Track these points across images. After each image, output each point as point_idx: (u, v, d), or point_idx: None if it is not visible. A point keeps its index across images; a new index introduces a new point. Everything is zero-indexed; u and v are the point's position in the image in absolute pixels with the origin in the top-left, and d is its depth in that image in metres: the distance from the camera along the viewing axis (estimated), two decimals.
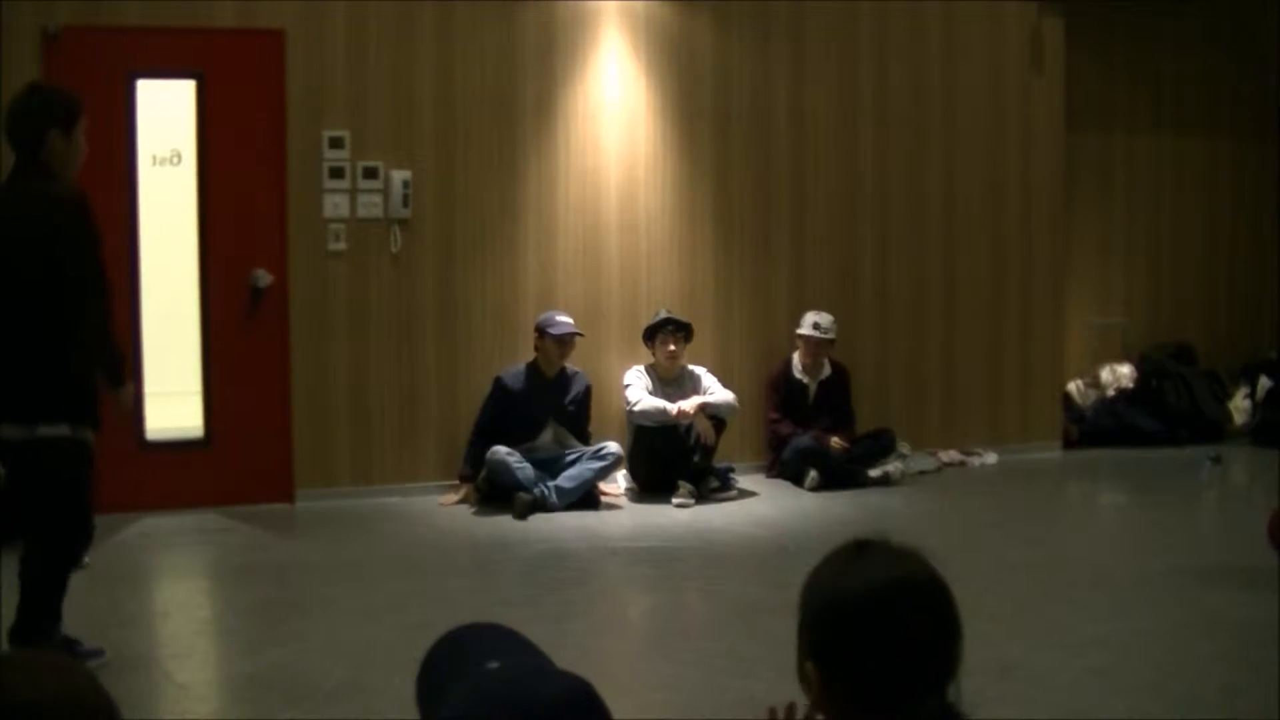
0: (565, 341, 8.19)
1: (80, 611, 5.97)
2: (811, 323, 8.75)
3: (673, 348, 8.41)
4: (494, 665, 1.70)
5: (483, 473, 8.02)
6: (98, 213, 7.95)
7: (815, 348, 8.75)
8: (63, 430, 4.92)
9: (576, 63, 8.60)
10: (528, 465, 7.91)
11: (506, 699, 1.60)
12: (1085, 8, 9.95)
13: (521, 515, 7.75)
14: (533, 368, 8.22)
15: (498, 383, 8.16)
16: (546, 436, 8.16)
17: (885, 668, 1.74)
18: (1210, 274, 10.92)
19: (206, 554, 7.20)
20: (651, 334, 8.46)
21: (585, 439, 8.31)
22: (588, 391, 8.36)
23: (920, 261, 9.42)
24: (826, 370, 8.86)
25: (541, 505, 7.85)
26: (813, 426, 8.71)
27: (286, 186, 8.03)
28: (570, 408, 8.26)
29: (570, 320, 8.25)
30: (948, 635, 1.78)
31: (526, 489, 7.84)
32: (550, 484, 7.93)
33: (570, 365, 8.33)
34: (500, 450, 7.92)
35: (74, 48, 7.57)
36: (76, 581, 6.41)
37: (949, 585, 1.81)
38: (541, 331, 8.20)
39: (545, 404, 8.19)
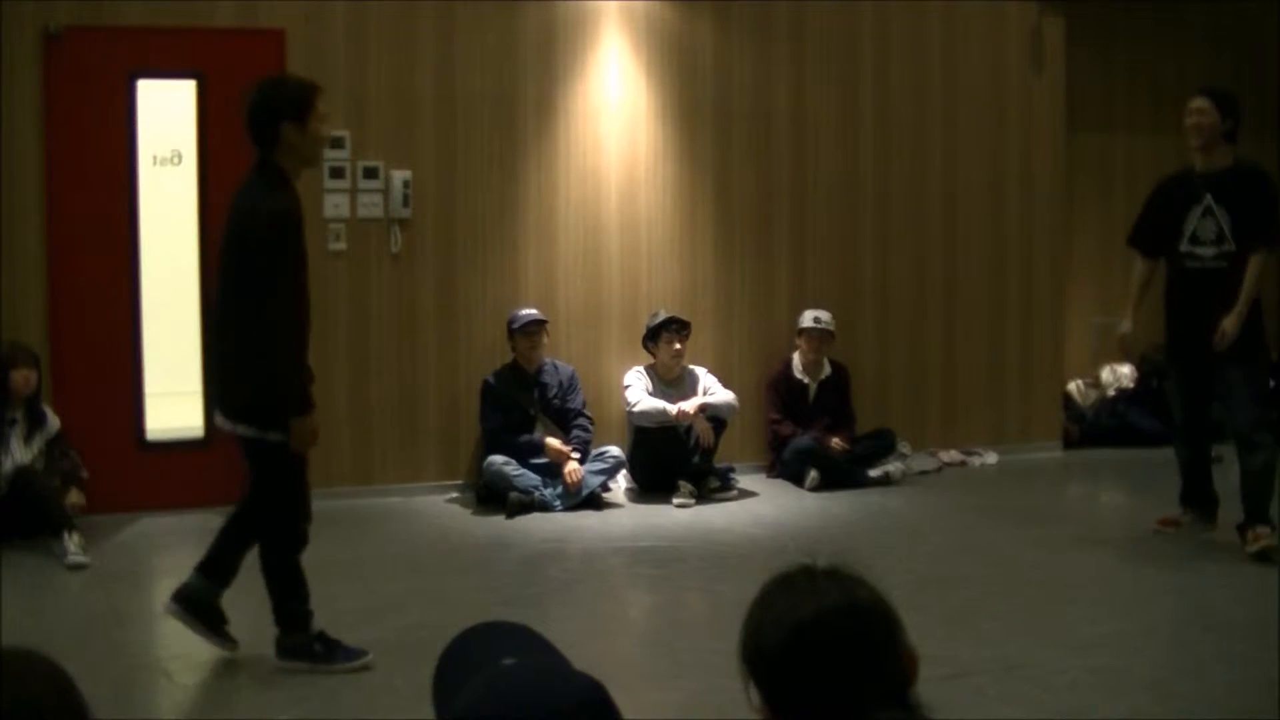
0: (531, 332, 8.15)
1: (80, 611, 5.98)
2: (813, 317, 8.75)
3: (679, 346, 8.39)
4: (509, 662, 1.71)
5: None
6: (97, 213, 7.93)
7: (818, 341, 8.74)
8: (249, 431, 5.06)
9: (576, 63, 8.60)
10: (526, 472, 7.90)
11: (518, 696, 1.60)
12: (1085, 8, 9.95)
13: (513, 515, 7.75)
14: (514, 367, 8.21)
15: (485, 386, 8.15)
16: (538, 436, 8.14)
17: (811, 700, 1.77)
18: None
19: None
20: (655, 334, 8.44)
21: (583, 421, 8.24)
22: (573, 379, 8.32)
23: (920, 261, 9.42)
24: (826, 370, 8.86)
25: (533, 506, 7.84)
26: (813, 427, 8.71)
27: None
28: (555, 401, 8.24)
29: (533, 310, 8.22)
30: (867, 661, 1.78)
31: (526, 493, 7.84)
32: (550, 489, 7.91)
33: (554, 359, 8.31)
34: (497, 460, 7.91)
35: (74, 48, 7.57)
36: (76, 581, 6.44)
37: (870, 603, 1.82)
38: (509, 329, 8.19)
39: (530, 401, 8.17)
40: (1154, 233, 7.10)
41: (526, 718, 1.57)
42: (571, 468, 7.95)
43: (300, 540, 5.26)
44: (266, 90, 5.10)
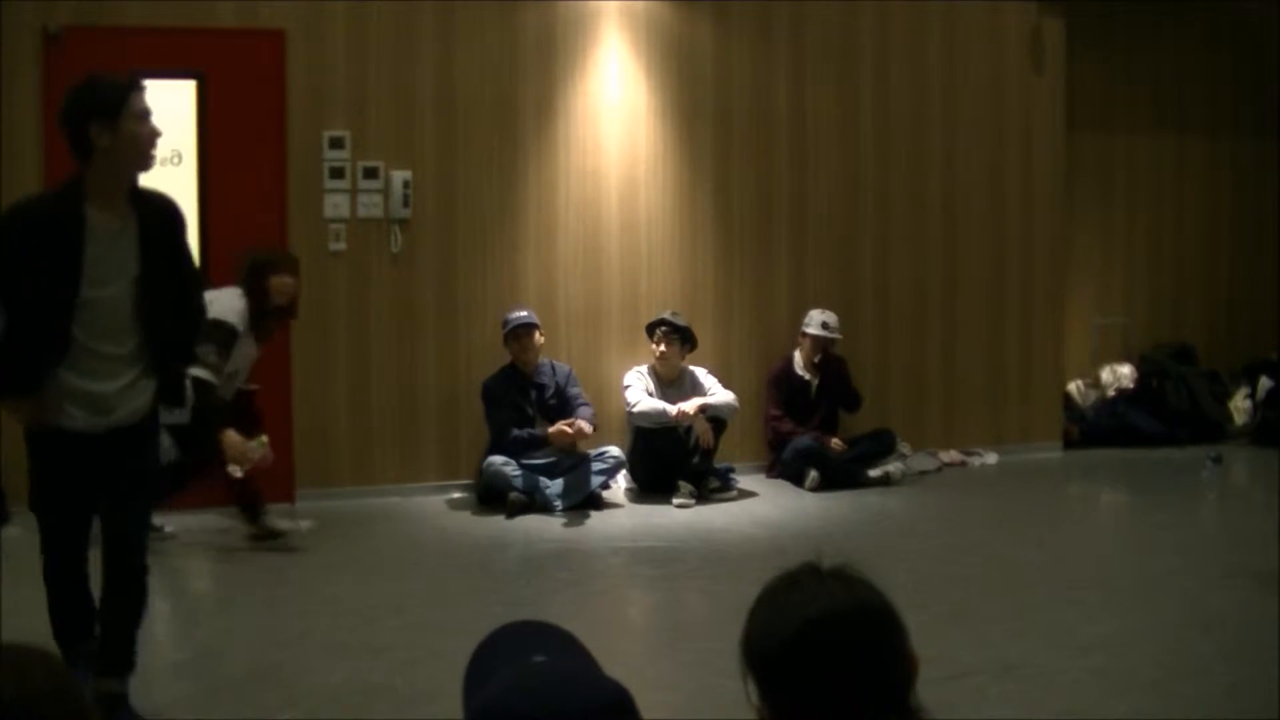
0: (521, 335, 8.13)
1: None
2: (820, 322, 8.74)
3: (663, 349, 8.37)
4: (539, 660, 1.72)
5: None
6: None
7: (823, 346, 8.74)
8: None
9: (576, 63, 8.60)
10: (525, 472, 7.90)
11: (543, 693, 1.61)
12: (1085, 8, 9.95)
13: (513, 515, 7.74)
14: (512, 368, 8.20)
15: (485, 390, 8.13)
16: (539, 430, 8.12)
17: (814, 700, 1.76)
18: (1210, 274, 10.92)
19: (207, 554, 7.20)
20: (649, 332, 8.44)
21: (585, 407, 8.21)
22: (570, 377, 8.29)
23: (920, 261, 9.42)
24: None
25: (533, 506, 7.83)
26: (813, 422, 8.73)
27: (287, 187, 8.03)
28: (553, 401, 8.23)
29: (523, 313, 8.19)
30: (873, 663, 1.78)
31: (526, 493, 7.83)
32: (551, 490, 7.91)
33: (552, 359, 8.30)
34: (497, 460, 7.90)
35: (74, 48, 7.56)
36: None
37: (878, 605, 1.82)
38: (502, 332, 8.19)
39: (528, 401, 8.16)
40: None
41: (548, 715, 1.57)
42: (580, 423, 7.93)
43: (52, 551, 4.88)
44: (73, 93, 4.57)
